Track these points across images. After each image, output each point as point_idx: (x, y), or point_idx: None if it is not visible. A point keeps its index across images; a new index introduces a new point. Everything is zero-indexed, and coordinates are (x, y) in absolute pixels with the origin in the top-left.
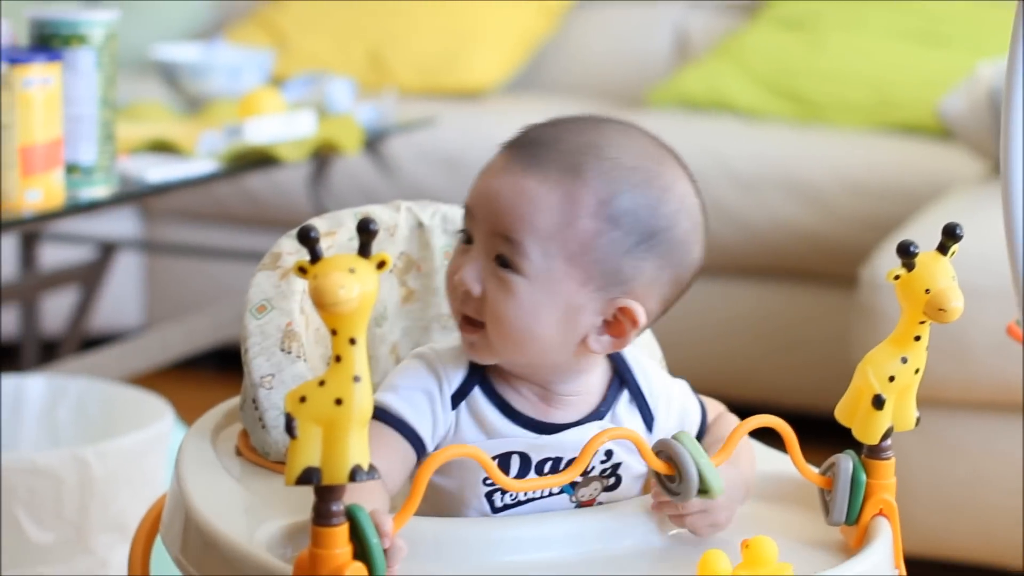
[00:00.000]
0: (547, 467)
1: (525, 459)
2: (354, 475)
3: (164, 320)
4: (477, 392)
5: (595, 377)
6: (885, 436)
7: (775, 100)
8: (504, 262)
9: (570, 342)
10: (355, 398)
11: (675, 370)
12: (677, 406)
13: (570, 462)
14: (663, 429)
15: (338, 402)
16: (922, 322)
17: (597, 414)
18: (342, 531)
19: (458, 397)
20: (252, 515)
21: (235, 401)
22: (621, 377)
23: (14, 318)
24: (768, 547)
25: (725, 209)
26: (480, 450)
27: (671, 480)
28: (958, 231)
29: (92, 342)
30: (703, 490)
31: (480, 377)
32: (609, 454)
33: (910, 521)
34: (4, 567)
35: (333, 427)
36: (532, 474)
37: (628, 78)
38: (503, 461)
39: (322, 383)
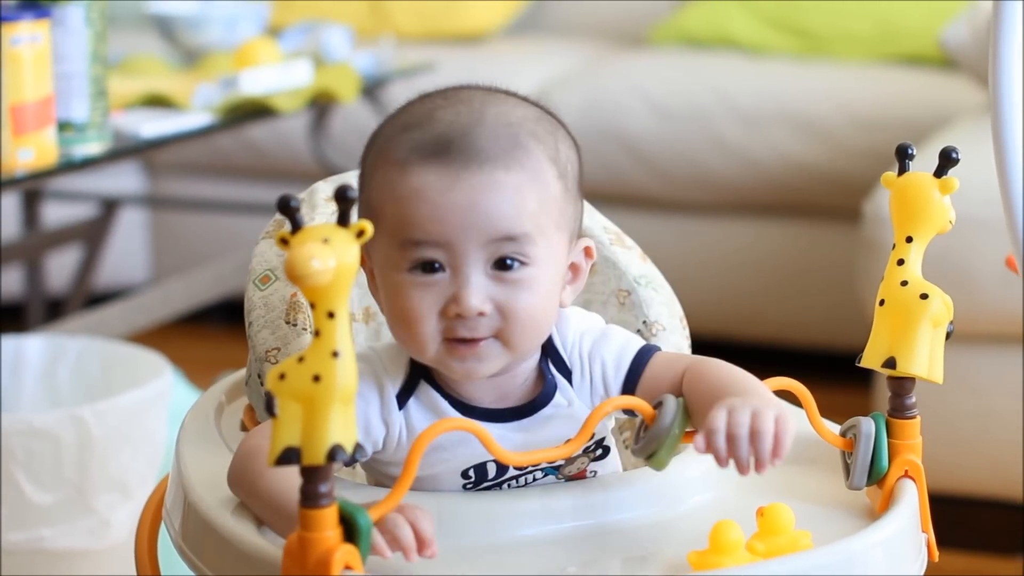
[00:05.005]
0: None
1: (501, 466)
2: (333, 455)
3: (171, 275)
4: (425, 387)
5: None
6: (910, 391)
7: (778, 35)
8: (507, 263)
9: (558, 306)
10: (335, 374)
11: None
12: (598, 351)
13: None
14: (582, 380)
15: (316, 379)
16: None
17: (546, 392)
18: (330, 512)
19: (405, 395)
20: None
21: (241, 374)
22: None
23: (18, 277)
24: (784, 514)
25: (729, 145)
26: (478, 424)
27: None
28: (954, 155)
29: (98, 299)
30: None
31: (424, 371)
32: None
33: None
34: (5, 529)
35: (312, 405)
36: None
37: (629, 17)
38: (479, 470)
39: (301, 359)
